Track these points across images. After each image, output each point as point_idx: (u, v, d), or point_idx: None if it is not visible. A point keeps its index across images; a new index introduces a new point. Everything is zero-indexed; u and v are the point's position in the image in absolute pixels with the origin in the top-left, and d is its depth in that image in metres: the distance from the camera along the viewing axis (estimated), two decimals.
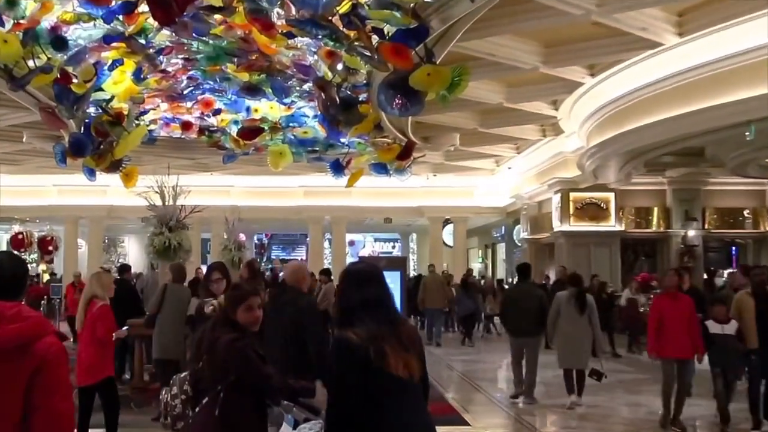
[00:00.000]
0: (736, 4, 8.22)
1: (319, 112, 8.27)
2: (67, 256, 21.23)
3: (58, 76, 6.23)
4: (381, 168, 9.25)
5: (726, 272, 15.50)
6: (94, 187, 13.97)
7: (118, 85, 7.20)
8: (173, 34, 6.36)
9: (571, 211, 17.09)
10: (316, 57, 6.99)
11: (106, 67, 6.94)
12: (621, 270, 17.18)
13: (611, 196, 17.04)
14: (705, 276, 16.10)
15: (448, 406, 8.29)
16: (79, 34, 6.18)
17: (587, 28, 9.03)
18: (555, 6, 7.91)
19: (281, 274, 16.01)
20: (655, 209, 17.79)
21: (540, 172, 17.97)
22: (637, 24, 8.69)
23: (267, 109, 8.93)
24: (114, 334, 5.86)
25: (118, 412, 5.98)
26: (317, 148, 9.87)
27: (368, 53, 5.50)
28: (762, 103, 8.62)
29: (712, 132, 10.50)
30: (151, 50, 6.63)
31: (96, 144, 7.56)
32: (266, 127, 9.14)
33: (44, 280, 20.61)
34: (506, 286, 16.85)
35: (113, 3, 5.48)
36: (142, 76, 7.20)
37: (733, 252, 18.90)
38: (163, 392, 3.52)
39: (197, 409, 3.26)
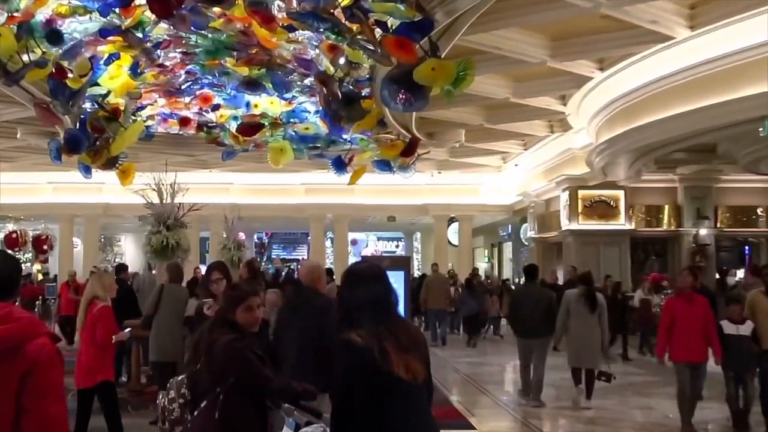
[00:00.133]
0: None
1: (320, 108, 8.28)
2: (62, 256, 21.10)
3: (53, 70, 6.19)
4: (384, 165, 9.22)
5: (740, 272, 15.25)
6: (89, 184, 13.94)
7: (114, 79, 7.20)
8: (171, 27, 6.38)
9: (580, 209, 16.86)
10: (317, 51, 6.97)
11: (102, 62, 6.94)
12: (631, 270, 16.95)
13: (621, 193, 16.79)
14: (717, 276, 15.85)
15: (453, 409, 8.19)
16: (75, 28, 6.16)
17: (596, 21, 8.91)
18: None
19: (291, 274, 16.15)
20: (666, 207, 17.54)
21: (548, 169, 17.81)
22: (648, 17, 8.58)
23: (267, 104, 8.92)
24: (114, 337, 5.78)
25: (119, 415, 5.86)
26: (319, 145, 9.88)
27: (371, 47, 5.46)
28: None
29: (725, 128, 10.36)
30: (148, 44, 6.66)
31: (92, 140, 7.55)
32: (266, 123, 9.15)
33: (38, 280, 20.37)
34: (512, 287, 16.66)
35: None
36: (139, 71, 7.20)
37: (746, 251, 18.63)
38: (161, 396, 3.49)
39: (196, 413, 3.23)
